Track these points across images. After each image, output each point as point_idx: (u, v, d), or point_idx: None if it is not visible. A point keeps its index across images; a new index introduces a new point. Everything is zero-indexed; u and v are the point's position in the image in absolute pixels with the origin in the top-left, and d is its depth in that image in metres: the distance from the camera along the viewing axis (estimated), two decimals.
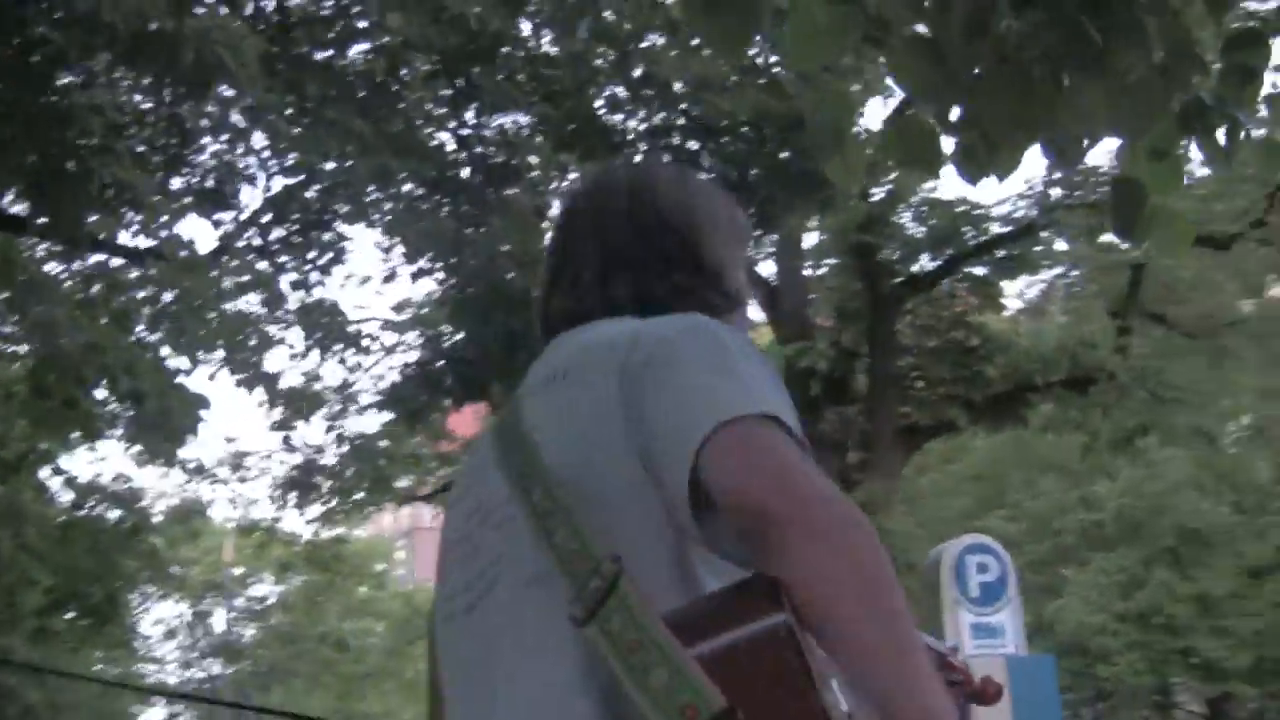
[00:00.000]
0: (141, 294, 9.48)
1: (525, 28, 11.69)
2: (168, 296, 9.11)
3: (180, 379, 9.22)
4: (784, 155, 11.52)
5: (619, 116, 12.18)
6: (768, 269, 18.03)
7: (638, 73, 11.58)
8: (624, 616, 1.55)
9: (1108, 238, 17.08)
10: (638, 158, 12.04)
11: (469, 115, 12.05)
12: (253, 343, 10.73)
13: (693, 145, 12.05)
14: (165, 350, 9.26)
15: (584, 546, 1.65)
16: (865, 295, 17.25)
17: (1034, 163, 17.05)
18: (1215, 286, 17.35)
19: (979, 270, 17.49)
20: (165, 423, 8.60)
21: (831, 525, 1.58)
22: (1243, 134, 4.22)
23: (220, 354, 9.91)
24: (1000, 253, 17.21)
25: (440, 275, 12.53)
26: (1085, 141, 4.14)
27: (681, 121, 12.04)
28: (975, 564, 11.09)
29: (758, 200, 11.75)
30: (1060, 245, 17.72)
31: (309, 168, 11.68)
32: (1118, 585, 21.03)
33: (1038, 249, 17.39)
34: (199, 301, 8.89)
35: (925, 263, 17.52)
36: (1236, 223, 16.05)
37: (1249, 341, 16.98)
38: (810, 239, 17.81)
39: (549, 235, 2.28)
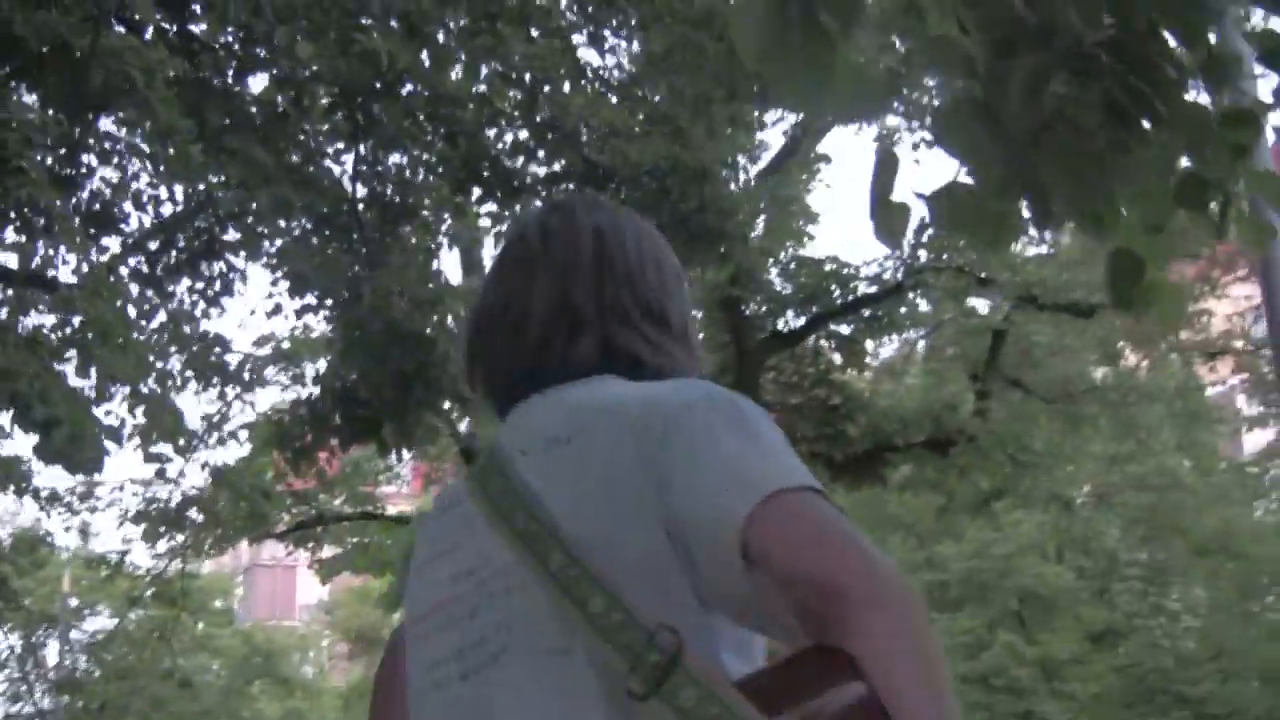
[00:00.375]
0: (50, 320, 9.18)
1: (429, 63, 11.56)
2: (76, 322, 8.82)
3: (95, 409, 8.93)
4: (687, 207, 11.53)
5: (519, 160, 12.07)
6: None
7: (542, 117, 11.53)
8: (697, 690, 1.55)
9: (971, 301, 17.51)
10: (537, 202, 11.99)
11: (366, 150, 11.87)
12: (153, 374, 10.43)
13: (591, 192, 12.01)
14: (75, 379, 8.95)
15: (629, 616, 1.63)
16: (731, 349, 17.34)
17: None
18: (1072, 353, 17.79)
19: (844, 329, 17.69)
20: (75, 453, 8.30)
21: (897, 599, 1.60)
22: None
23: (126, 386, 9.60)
24: (866, 312, 17.44)
25: (327, 312, 12.30)
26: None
27: (581, 169, 11.98)
28: None
29: None
30: (924, 307, 18.02)
31: (205, 195, 11.43)
32: (963, 647, 21.30)
33: (903, 310, 17.65)
34: (107, 329, 8.61)
35: (791, 319, 17.68)
36: (1098, 293, 16.47)
37: (1103, 409, 17.43)
38: None
39: (489, 275, 2.13)
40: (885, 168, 4.71)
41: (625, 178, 11.75)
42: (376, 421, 11.81)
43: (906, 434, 16.94)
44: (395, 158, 12.00)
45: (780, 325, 17.66)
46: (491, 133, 11.93)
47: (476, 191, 12.07)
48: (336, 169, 11.99)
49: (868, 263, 17.10)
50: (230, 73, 10.94)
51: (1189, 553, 20.37)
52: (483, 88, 11.68)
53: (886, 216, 4.60)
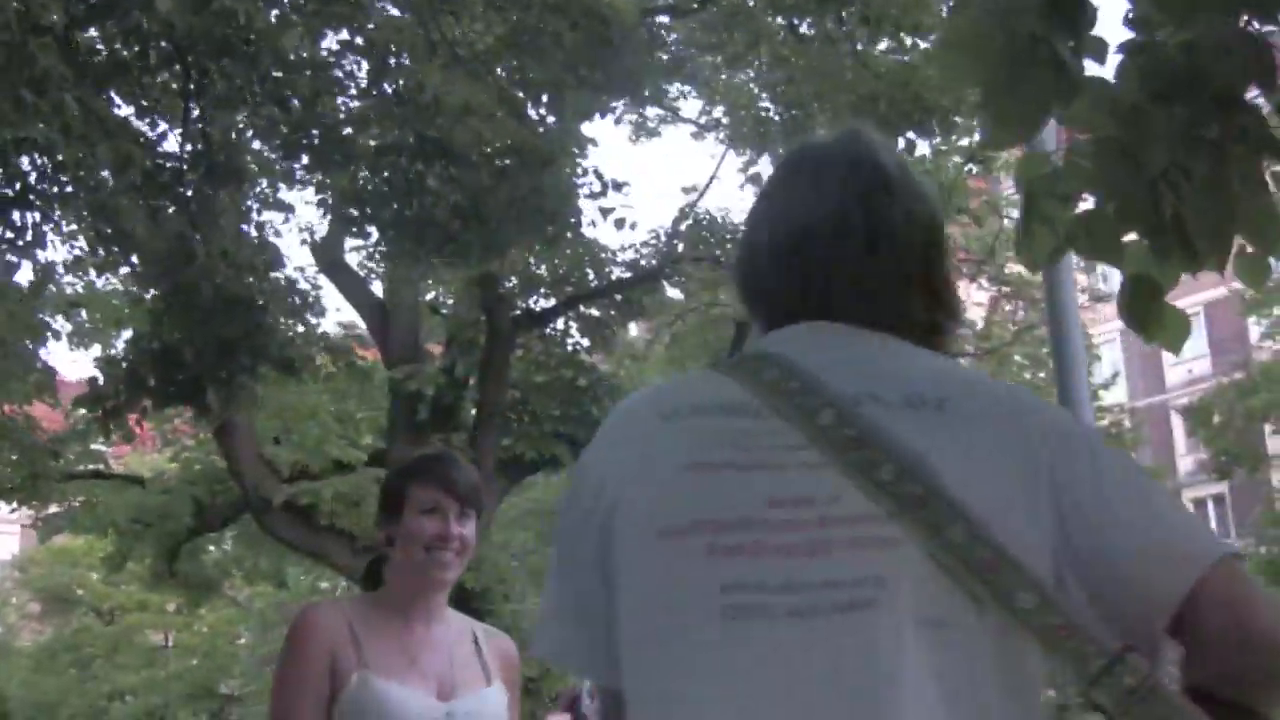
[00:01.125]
0: None
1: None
2: None
3: None
4: (524, 189, 11.48)
5: (350, 130, 11.77)
6: (380, 290, 17.87)
7: (393, 89, 11.29)
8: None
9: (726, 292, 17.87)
10: (365, 173, 11.75)
11: (197, 108, 11.37)
12: None
13: (419, 167, 11.79)
14: None
15: (1068, 621, 1.62)
16: (484, 326, 17.27)
17: (665, 212, 17.44)
18: None
19: (596, 312, 17.81)
20: None
21: None
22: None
23: None
24: (619, 296, 17.60)
25: (135, 269, 11.78)
26: None
27: (414, 144, 11.77)
28: None
29: (489, 230, 11.65)
30: (675, 295, 18.31)
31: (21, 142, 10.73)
32: None
33: (655, 297, 17.89)
34: None
35: (545, 299, 17.72)
36: None
37: None
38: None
39: (777, 192, 1.99)
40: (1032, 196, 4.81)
41: (459, 156, 11.61)
42: (197, 385, 11.41)
43: None
44: (228, 118, 11.56)
45: (533, 304, 17.68)
46: (333, 101, 11.61)
47: (307, 158, 11.72)
48: (163, 125, 11.51)
49: (624, 248, 17.29)
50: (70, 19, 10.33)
51: None
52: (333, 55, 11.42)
53: (1028, 242, 4.69)
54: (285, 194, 12.27)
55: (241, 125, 11.64)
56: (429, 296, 18.44)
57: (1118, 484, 1.73)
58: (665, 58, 11.03)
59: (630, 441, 1.85)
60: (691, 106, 17.64)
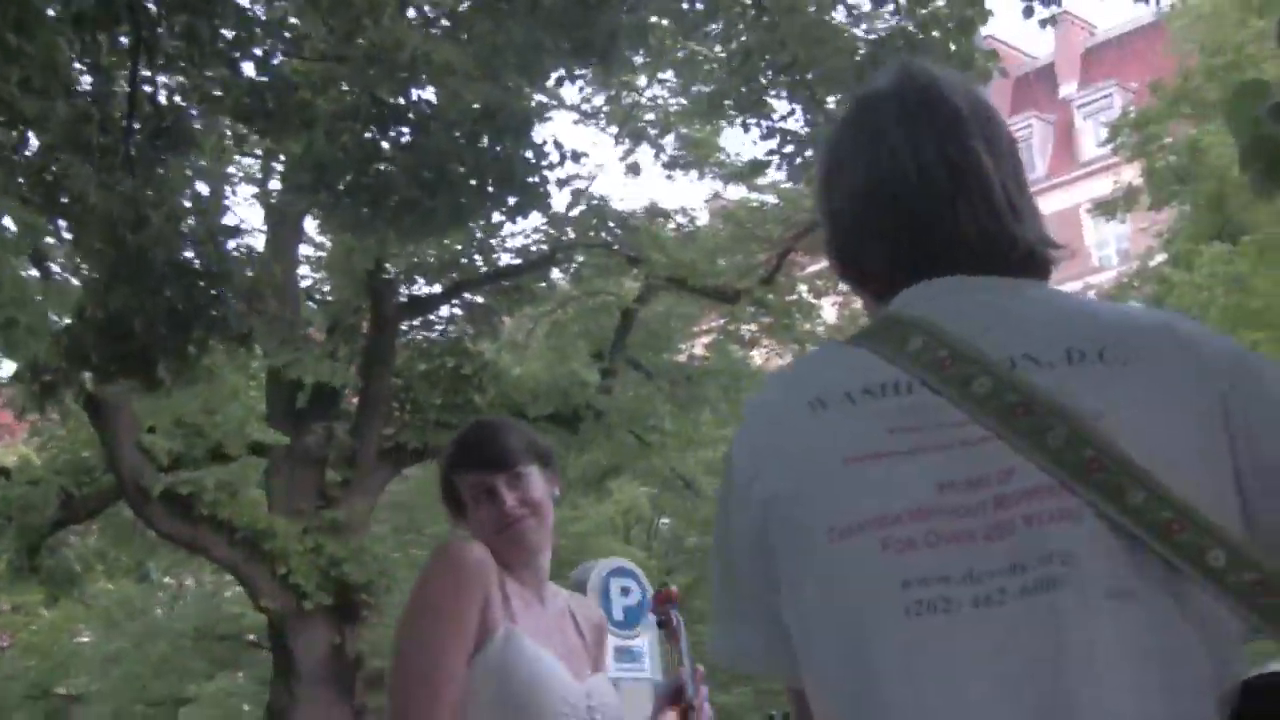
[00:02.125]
0: None
1: None
2: None
3: None
4: (498, 153, 11.19)
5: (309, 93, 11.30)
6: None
7: (364, 49, 10.88)
8: None
9: (623, 280, 17.79)
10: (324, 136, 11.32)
11: (145, 67, 10.80)
12: None
13: (374, 133, 11.39)
14: None
15: (1273, 576, 1.55)
16: (369, 312, 16.86)
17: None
18: (691, 337, 18.40)
19: (481, 299, 17.52)
20: None
21: None
22: None
23: None
24: (506, 283, 17.34)
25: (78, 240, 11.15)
26: None
27: (371, 107, 11.37)
28: (619, 587, 11.25)
29: (455, 198, 11.32)
30: (563, 282, 18.13)
31: None
32: None
33: (542, 284, 17.69)
34: None
35: (429, 285, 17.39)
36: (745, 278, 17.19)
37: (720, 392, 18.08)
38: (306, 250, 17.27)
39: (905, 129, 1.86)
40: None
41: (422, 121, 11.29)
42: (146, 358, 10.81)
43: (536, 406, 16.95)
44: (178, 79, 11.02)
45: (418, 290, 17.34)
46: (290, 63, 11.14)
47: (259, 123, 11.21)
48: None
49: (513, 234, 17.06)
50: None
51: None
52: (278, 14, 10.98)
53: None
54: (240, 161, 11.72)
55: (191, 86, 11.09)
56: (305, 284, 17.93)
57: None
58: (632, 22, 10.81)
59: (781, 436, 1.77)
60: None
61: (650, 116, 17.30)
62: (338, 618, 16.20)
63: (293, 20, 11.25)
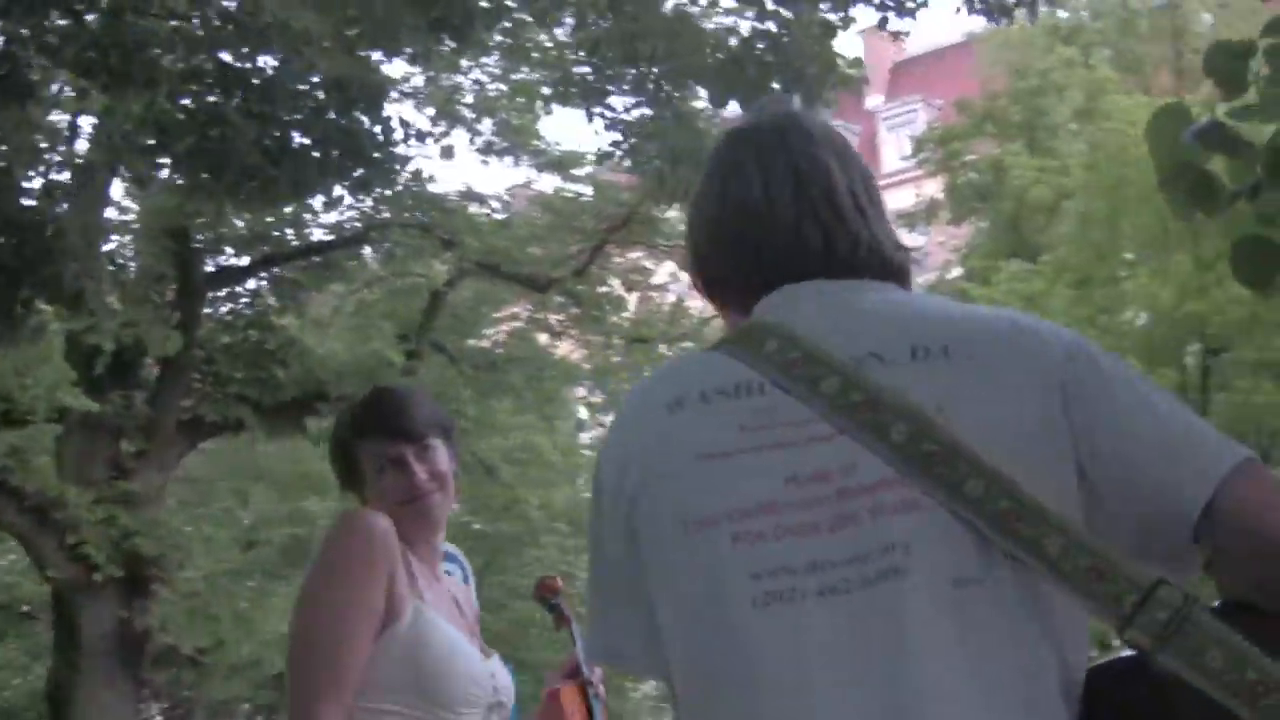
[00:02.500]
0: None
1: None
2: None
3: None
4: (344, 126, 11.08)
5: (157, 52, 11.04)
6: None
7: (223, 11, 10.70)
8: (1225, 652, 1.54)
9: (435, 262, 17.71)
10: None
11: None
12: None
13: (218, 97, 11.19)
14: None
15: (1100, 561, 1.60)
16: (175, 281, 16.47)
17: None
18: (494, 323, 18.39)
19: (290, 274, 17.26)
20: None
21: None
22: None
23: None
24: (317, 259, 17.12)
25: None
26: None
27: (216, 72, 11.17)
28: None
29: (299, 167, 11.17)
30: (373, 262, 17.98)
31: None
32: None
33: (353, 262, 17.51)
34: None
35: (238, 257, 17.07)
36: (558, 268, 17.27)
37: (523, 380, 18.13)
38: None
39: (725, 169, 2.01)
40: None
41: (269, 88, 11.13)
42: None
43: (340, 386, 16.78)
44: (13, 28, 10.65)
45: (227, 262, 17.01)
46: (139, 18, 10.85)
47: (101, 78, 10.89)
48: None
49: (326, 210, 16.85)
50: None
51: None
52: None
53: None
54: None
55: (31, 35, 10.74)
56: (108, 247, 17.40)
57: (1131, 396, 1.74)
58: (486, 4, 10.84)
59: (643, 435, 1.85)
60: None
61: (470, 99, 17.26)
62: (127, 591, 15.80)
63: None
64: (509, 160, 18.17)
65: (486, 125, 17.56)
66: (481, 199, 17.92)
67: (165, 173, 11.68)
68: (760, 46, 9.92)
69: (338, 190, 12.48)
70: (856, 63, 10.34)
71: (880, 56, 44.51)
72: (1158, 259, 21.25)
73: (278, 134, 11.07)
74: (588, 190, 18.31)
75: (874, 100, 45.37)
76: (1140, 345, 21.14)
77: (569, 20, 12.35)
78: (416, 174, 15.86)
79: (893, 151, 41.48)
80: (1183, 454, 1.68)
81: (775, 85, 9.83)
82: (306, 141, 11.13)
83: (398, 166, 11.81)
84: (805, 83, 9.69)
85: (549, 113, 14.98)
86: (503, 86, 16.74)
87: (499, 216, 17.99)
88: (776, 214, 1.90)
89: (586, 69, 12.42)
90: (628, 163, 12.41)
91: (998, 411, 1.71)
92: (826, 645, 1.63)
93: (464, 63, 16.10)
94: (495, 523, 21.21)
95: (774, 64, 9.70)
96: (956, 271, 25.45)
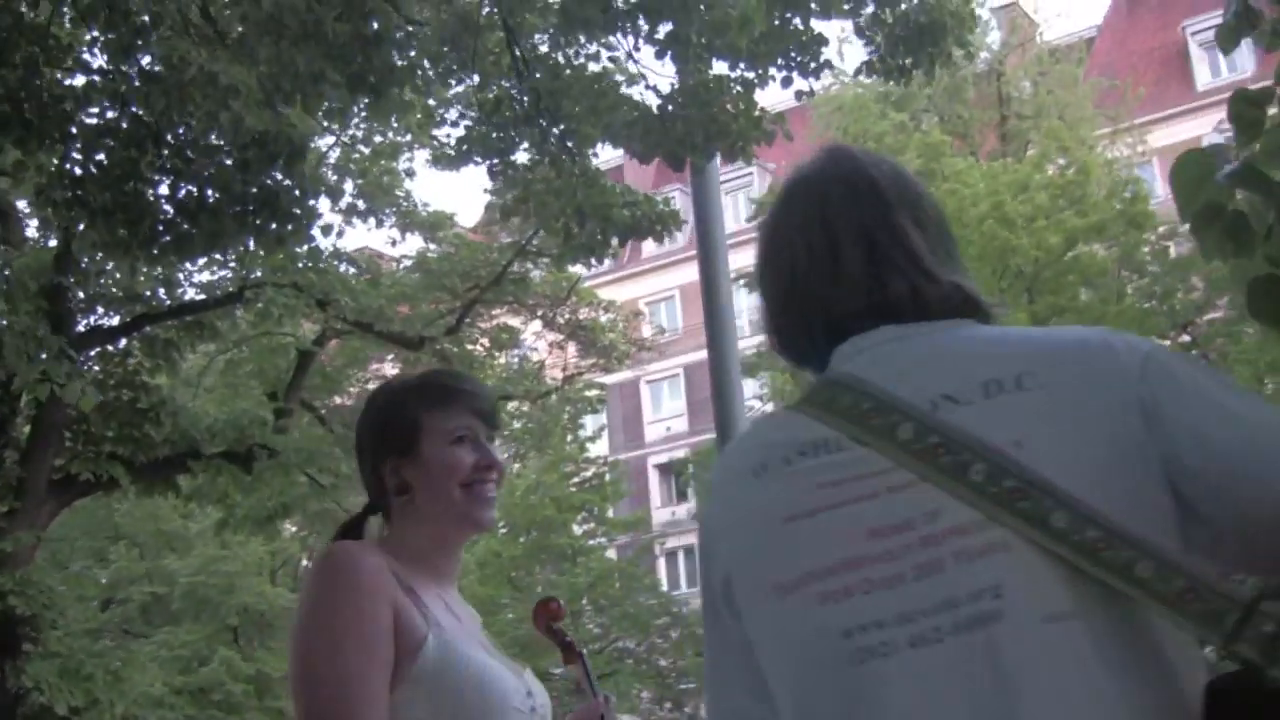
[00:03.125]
0: None
1: None
2: None
3: None
4: (264, 182, 11.32)
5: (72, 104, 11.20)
6: None
7: (146, 66, 10.91)
8: None
9: (305, 322, 17.85)
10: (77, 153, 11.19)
11: None
12: None
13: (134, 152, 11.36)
14: None
15: (1194, 581, 1.58)
16: (48, 340, 16.38)
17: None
18: (362, 381, 18.57)
19: (163, 333, 17.28)
20: None
21: None
22: None
23: None
24: (189, 318, 17.20)
25: None
26: None
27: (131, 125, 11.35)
28: None
29: (218, 224, 11.38)
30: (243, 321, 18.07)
31: None
32: (180, 659, 21.19)
33: (224, 322, 17.60)
34: None
35: (109, 316, 17.08)
36: (430, 326, 17.59)
37: None
38: None
39: (785, 222, 2.05)
40: None
41: (185, 143, 11.36)
42: None
43: (212, 443, 16.89)
44: None
45: (99, 321, 17.02)
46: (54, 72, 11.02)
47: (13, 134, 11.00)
48: None
49: (199, 270, 17.00)
50: None
51: None
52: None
53: None
54: None
55: None
56: None
57: (1210, 404, 1.73)
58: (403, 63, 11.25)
59: (731, 502, 1.88)
60: None
61: (333, 157, 17.57)
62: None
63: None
64: (372, 221, 18.48)
65: (349, 186, 17.87)
66: (353, 260, 18.19)
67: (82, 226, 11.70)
68: (681, 101, 10.39)
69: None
70: (779, 117, 10.89)
71: None
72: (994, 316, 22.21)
73: (194, 189, 11.28)
74: (454, 250, 18.69)
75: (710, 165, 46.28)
76: None
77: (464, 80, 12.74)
78: (326, 229, 16.04)
79: (730, 214, 42.49)
80: (1271, 455, 1.65)
81: (698, 141, 10.27)
82: (223, 197, 11.32)
83: (309, 224, 11.99)
84: (730, 138, 10.20)
85: (412, 175, 15.31)
86: (362, 148, 17.10)
87: (368, 276, 18.25)
88: (842, 267, 1.92)
89: (479, 127, 12.75)
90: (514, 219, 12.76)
91: (1076, 439, 1.70)
92: (924, 695, 1.62)
93: (331, 124, 16.36)
94: None
95: (699, 119, 10.17)
96: None
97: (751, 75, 10.39)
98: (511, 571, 25.32)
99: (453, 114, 14.49)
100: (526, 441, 23.25)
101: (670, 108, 10.50)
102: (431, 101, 15.02)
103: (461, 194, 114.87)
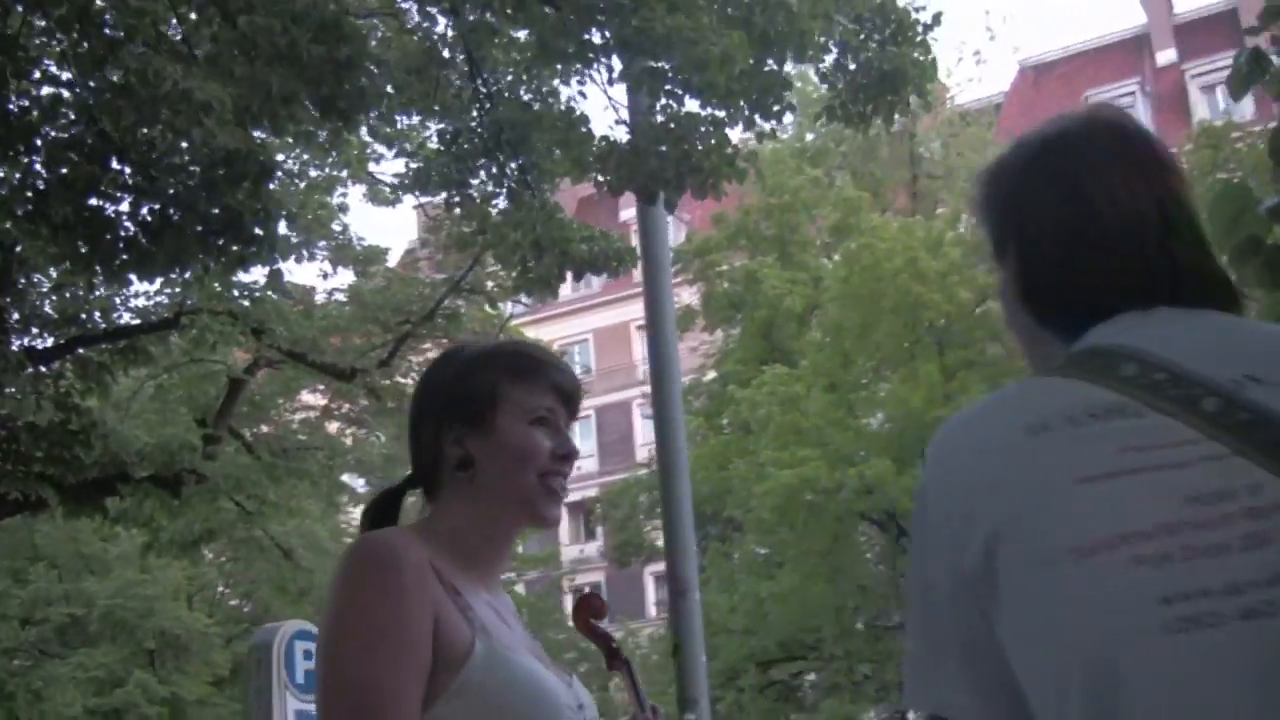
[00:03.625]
0: None
1: None
2: None
3: None
4: (229, 201, 11.42)
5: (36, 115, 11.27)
6: None
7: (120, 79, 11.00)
8: None
9: (237, 350, 17.89)
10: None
11: None
12: None
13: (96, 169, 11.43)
14: None
15: None
16: None
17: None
18: (290, 410, 18.63)
19: (96, 356, 17.23)
20: None
21: None
22: None
23: None
24: (123, 342, 17.17)
25: None
26: None
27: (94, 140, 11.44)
28: (302, 650, 11.46)
29: (181, 241, 11.47)
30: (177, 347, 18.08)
31: None
32: (95, 681, 21.16)
33: (157, 348, 17.59)
34: None
35: (43, 338, 17.02)
36: (363, 358, 17.72)
37: (320, 468, 18.45)
38: None
39: (1090, 173, 1.91)
40: None
41: (150, 160, 11.45)
42: None
43: (141, 467, 16.87)
44: None
45: (33, 342, 16.94)
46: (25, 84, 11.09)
47: None
48: None
49: (137, 295, 17.03)
50: None
51: None
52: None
53: None
54: None
55: None
56: None
57: None
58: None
59: (995, 464, 1.74)
60: None
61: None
62: None
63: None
64: (304, 254, 18.58)
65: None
66: (286, 291, 18.27)
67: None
68: (655, 137, 10.63)
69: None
70: (751, 155, 11.19)
71: None
72: (906, 367, 22.91)
73: (158, 207, 11.37)
74: (386, 284, 18.86)
75: (626, 214, 46.99)
76: (888, 447, 22.66)
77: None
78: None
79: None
80: None
81: (670, 176, 10.50)
82: (187, 216, 11.40)
83: (271, 246, 12.10)
84: (701, 174, 10.47)
85: (345, 210, 15.52)
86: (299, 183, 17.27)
87: (301, 307, 18.35)
88: (1136, 235, 1.85)
89: (439, 159, 12.94)
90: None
91: None
92: (1259, 672, 1.52)
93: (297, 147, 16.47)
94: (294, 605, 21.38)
95: (673, 155, 10.43)
96: (711, 374, 26.71)
97: (722, 114, 10.63)
98: None
99: (390, 151, 14.61)
100: None
101: (643, 142, 10.70)
102: (367, 137, 15.20)
103: (388, 230, 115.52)
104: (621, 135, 11.20)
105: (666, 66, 10.16)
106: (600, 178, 11.14)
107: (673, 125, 10.63)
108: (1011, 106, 42.93)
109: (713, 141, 10.55)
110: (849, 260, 23.85)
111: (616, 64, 10.86)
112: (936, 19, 11.43)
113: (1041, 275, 1.91)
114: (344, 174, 17.52)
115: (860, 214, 24.64)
